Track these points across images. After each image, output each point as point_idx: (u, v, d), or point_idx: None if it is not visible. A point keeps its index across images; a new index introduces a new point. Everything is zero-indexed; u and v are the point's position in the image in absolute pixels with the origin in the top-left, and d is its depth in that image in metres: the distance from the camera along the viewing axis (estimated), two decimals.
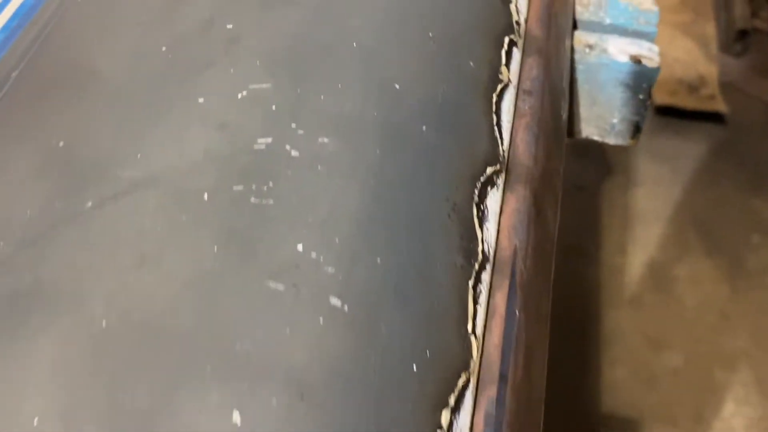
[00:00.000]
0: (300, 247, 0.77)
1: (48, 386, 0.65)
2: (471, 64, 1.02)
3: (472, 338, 0.80)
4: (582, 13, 1.39)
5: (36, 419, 0.67)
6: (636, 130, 1.36)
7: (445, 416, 0.73)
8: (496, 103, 1.02)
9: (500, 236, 0.90)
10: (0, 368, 0.66)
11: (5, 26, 1.06)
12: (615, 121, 1.36)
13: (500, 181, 0.94)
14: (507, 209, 0.93)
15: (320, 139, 0.87)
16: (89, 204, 0.82)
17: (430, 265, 0.82)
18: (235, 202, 0.83)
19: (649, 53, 1.34)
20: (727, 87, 3.00)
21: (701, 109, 2.98)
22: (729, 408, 2.20)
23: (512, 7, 1.13)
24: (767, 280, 2.52)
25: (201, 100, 0.91)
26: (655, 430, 2.15)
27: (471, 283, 0.83)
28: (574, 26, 1.40)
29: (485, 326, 0.82)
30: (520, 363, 0.82)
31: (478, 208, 0.89)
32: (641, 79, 1.32)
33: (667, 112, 2.92)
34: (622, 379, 2.30)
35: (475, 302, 0.82)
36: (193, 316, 0.74)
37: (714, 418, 2.18)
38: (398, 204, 0.85)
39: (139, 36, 1.01)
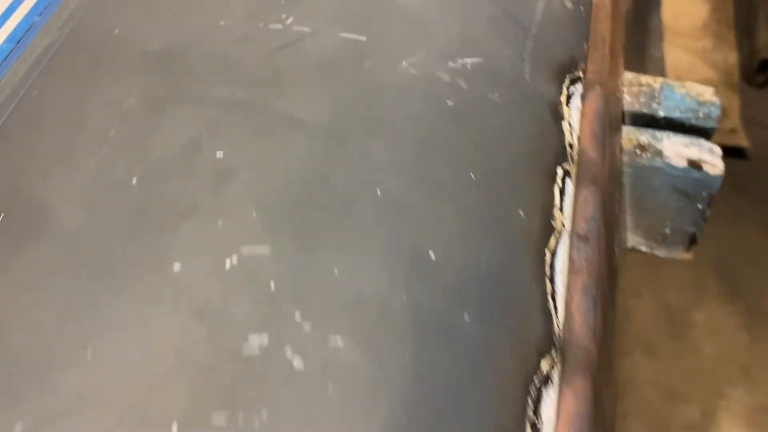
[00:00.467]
0: None
1: None
2: (521, 212, 0.79)
3: None
4: (632, 103, 1.14)
5: None
6: (692, 241, 1.12)
7: None
8: (550, 262, 0.78)
9: None
10: None
11: None
12: (667, 231, 1.12)
13: (556, 376, 0.70)
14: (564, 414, 0.70)
15: (332, 340, 0.65)
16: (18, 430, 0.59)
17: None
18: None
19: (711, 157, 1.10)
20: (749, 120, 2.77)
21: (721, 144, 2.64)
22: None
23: (565, 124, 0.88)
24: None
25: (177, 267, 0.68)
26: None
27: None
28: (623, 119, 1.15)
29: None
30: None
31: (533, 428, 0.66)
32: (701, 186, 1.09)
33: None
34: None
35: None
36: None
37: None
38: None
39: (104, 159, 0.78)
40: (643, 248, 1.15)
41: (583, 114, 0.96)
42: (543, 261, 0.79)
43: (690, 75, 3.00)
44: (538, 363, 0.72)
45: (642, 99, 1.16)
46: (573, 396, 0.73)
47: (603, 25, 1.07)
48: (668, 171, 1.11)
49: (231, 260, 0.69)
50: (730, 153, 3.00)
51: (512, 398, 0.68)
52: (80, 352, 0.64)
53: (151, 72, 0.86)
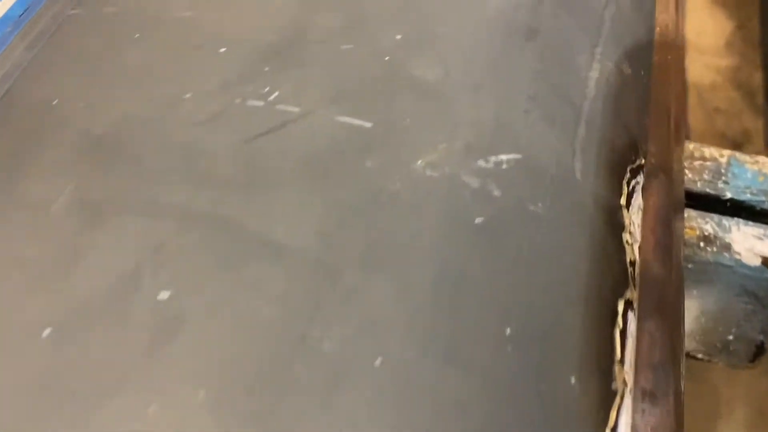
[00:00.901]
0: None
1: None
2: (572, 379, 0.53)
3: None
4: (694, 181, 0.88)
5: None
6: (759, 351, 0.86)
7: None
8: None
9: None
10: None
11: None
12: (731, 338, 0.86)
13: None
14: None
15: None
16: None
17: None
18: None
19: None
20: None
21: None
22: None
23: (625, 236, 0.63)
24: None
25: None
26: None
27: None
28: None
29: None
30: None
31: None
32: None
33: None
34: None
35: None
36: None
37: None
38: None
39: (12, 293, 0.58)
40: (700, 355, 0.89)
41: (645, 213, 0.71)
42: None
43: (713, 93, 2.73)
44: None
45: (706, 176, 0.89)
46: None
47: (667, 92, 0.81)
48: (737, 269, 0.85)
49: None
50: None
51: None
52: None
53: (91, 164, 0.61)
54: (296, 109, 0.66)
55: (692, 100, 2.66)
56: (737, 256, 0.87)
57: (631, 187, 0.73)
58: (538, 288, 0.59)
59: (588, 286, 0.63)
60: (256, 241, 0.57)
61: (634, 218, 0.71)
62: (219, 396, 0.49)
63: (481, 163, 0.64)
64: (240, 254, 0.56)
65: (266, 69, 0.69)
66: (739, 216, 0.91)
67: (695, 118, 2.68)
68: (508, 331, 0.56)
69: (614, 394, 0.60)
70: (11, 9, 0.77)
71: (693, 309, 0.90)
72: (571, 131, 0.70)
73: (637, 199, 0.73)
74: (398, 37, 0.72)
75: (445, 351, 0.54)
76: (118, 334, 0.53)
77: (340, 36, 0.72)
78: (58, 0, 0.78)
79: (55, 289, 0.55)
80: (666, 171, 0.79)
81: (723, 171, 0.93)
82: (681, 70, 0.93)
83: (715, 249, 0.88)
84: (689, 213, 0.91)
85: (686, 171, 0.93)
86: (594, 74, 0.76)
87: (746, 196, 0.90)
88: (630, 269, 0.67)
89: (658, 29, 0.94)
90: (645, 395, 0.63)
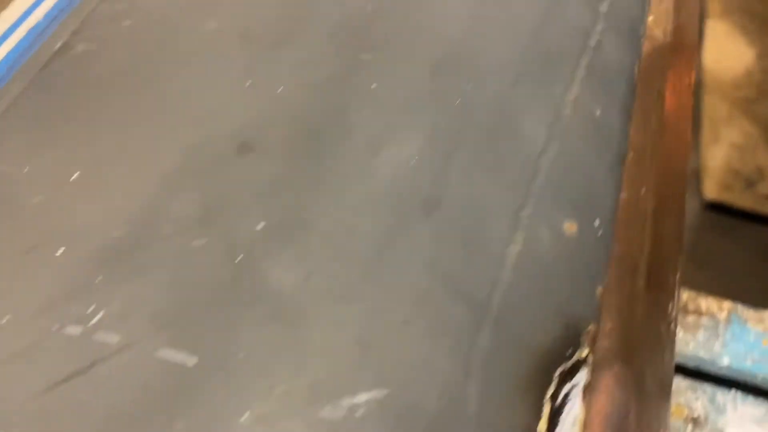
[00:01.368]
0: None
1: None
2: None
3: None
4: (685, 341, 0.68)
5: None
6: None
7: None
8: None
9: None
10: None
11: None
12: None
13: None
14: None
15: None
16: None
17: None
18: None
19: None
20: None
21: (758, 211, 2.27)
22: None
23: None
24: None
25: None
26: None
27: None
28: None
29: None
30: None
31: None
32: None
33: (717, 208, 2.27)
34: None
35: None
36: None
37: None
38: None
39: None
40: None
41: (586, 425, 0.51)
42: None
43: (729, 126, 2.46)
44: None
45: (700, 337, 0.69)
46: None
47: (636, 246, 0.62)
48: None
49: None
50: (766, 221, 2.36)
51: None
52: None
53: None
54: (115, 339, 0.50)
55: (706, 133, 2.40)
56: None
57: (559, 400, 0.53)
58: None
59: None
60: None
61: None
62: None
63: (328, 410, 0.46)
64: None
65: (98, 279, 0.54)
66: (737, 387, 0.70)
67: (709, 153, 2.42)
68: None
69: None
70: None
71: None
72: (467, 342, 0.51)
73: (572, 410, 0.53)
74: (259, 226, 0.56)
75: None
76: None
77: (195, 227, 0.56)
78: None
79: None
80: (625, 361, 0.59)
81: (721, 331, 0.72)
82: (678, 209, 0.72)
83: None
84: (677, 383, 0.70)
85: (679, 328, 0.73)
86: (514, 248, 0.57)
87: (746, 364, 0.69)
88: None
89: (631, 155, 0.74)
90: None
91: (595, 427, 0.56)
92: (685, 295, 0.76)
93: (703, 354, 0.73)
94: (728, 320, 0.74)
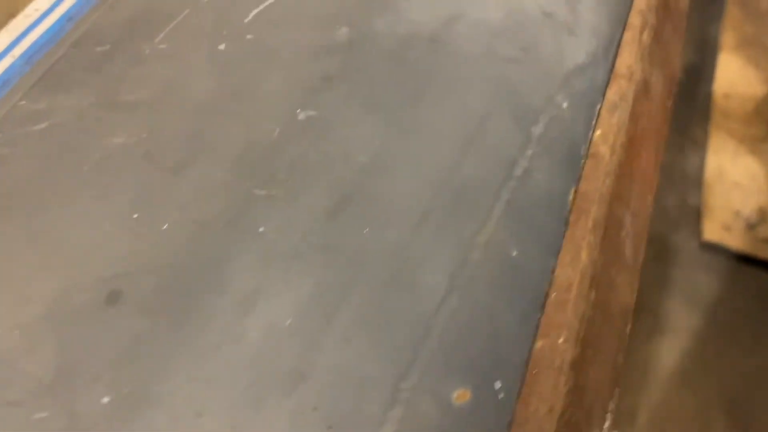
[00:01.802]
0: None
1: None
2: None
3: None
4: None
5: None
6: None
7: None
8: None
9: None
10: None
11: None
12: None
13: None
14: None
15: None
16: None
17: None
18: None
19: None
20: None
21: (756, 256, 2.15)
22: None
23: None
24: None
25: None
26: None
27: None
28: None
29: None
30: None
31: None
32: None
33: (714, 249, 2.14)
34: None
35: None
36: None
37: None
38: None
39: None
40: None
41: None
42: None
43: (734, 164, 2.36)
44: None
45: None
46: None
47: (545, 405, 0.55)
48: None
49: None
50: (765, 265, 2.28)
51: None
52: None
53: None
54: None
55: (710, 170, 2.30)
56: None
57: None
58: None
59: None
60: None
61: None
62: None
63: None
64: None
65: None
66: None
67: (710, 191, 2.33)
68: None
69: None
70: None
71: None
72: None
73: None
74: (105, 399, 0.50)
75: None
76: None
77: (41, 395, 0.51)
78: None
79: None
80: None
81: None
82: (610, 354, 0.65)
83: None
84: None
85: None
86: (389, 429, 0.51)
87: None
88: None
89: (554, 296, 0.67)
90: None
91: None
92: None
93: None
94: None
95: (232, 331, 0.56)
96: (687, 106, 2.54)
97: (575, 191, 0.72)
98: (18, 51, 0.79)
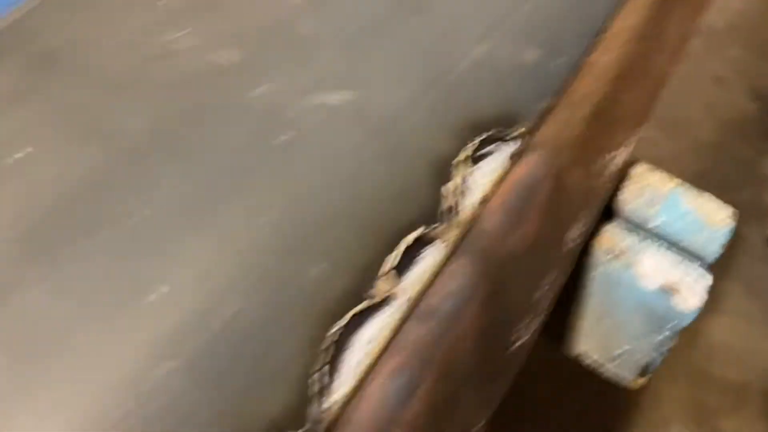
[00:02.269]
0: None
1: None
2: (315, 270, 0.53)
3: None
4: (625, 201, 0.83)
5: None
6: (643, 371, 0.78)
7: None
8: (341, 332, 0.52)
9: None
10: None
11: None
12: (620, 351, 0.79)
13: None
14: None
15: None
16: None
17: None
18: None
19: (692, 288, 0.76)
20: None
21: None
22: None
23: (449, 186, 0.62)
24: None
25: None
26: None
27: None
28: (608, 214, 0.84)
29: None
30: None
31: None
32: (668, 317, 0.75)
33: None
34: None
35: None
36: None
37: None
38: None
39: None
40: (589, 361, 0.82)
41: (501, 180, 0.69)
42: (327, 327, 0.54)
43: None
44: None
45: (641, 199, 0.85)
46: None
47: (590, 86, 0.78)
48: (634, 289, 0.79)
49: None
50: None
51: None
52: None
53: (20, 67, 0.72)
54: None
55: None
56: (639, 275, 0.82)
57: (484, 150, 0.72)
58: (313, 202, 0.61)
59: (381, 213, 0.63)
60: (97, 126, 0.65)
61: (477, 175, 0.70)
62: None
63: (311, 97, 0.68)
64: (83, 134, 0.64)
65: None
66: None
67: None
68: (264, 219, 0.58)
69: (367, 297, 0.59)
70: None
71: (593, 314, 0.85)
72: (424, 90, 0.71)
73: (491, 164, 0.72)
74: None
75: (203, 219, 0.58)
76: None
77: None
78: None
79: None
80: (552, 152, 0.76)
81: (658, 200, 0.88)
82: (644, 73, 0.87)
83: (621, 264, 0.84)
84: (611, 227, 0.87)
85: (622, 191, 0.89)
86: (479, 49, 0.76)
87: (672, 229, 0.85)
88: (448, 215, 0.66)
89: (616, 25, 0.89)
90: (421, 314, 0.62)
91: (506, 184, 0.74)
92: (642, 167, 0.92)
93: (637, 214, 0.88)
94: (668, 194, 0.89)
95: None
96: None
97: None
98: None
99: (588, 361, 0.84)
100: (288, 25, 0.74)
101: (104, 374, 0.49)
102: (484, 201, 0.67)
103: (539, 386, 1.54)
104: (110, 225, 0.57)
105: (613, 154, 0.85)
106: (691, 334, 2.00)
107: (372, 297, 0.58)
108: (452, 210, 0.66)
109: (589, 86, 0.78)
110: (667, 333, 0.76)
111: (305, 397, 0.52)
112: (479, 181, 0.69)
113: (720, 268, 2.25)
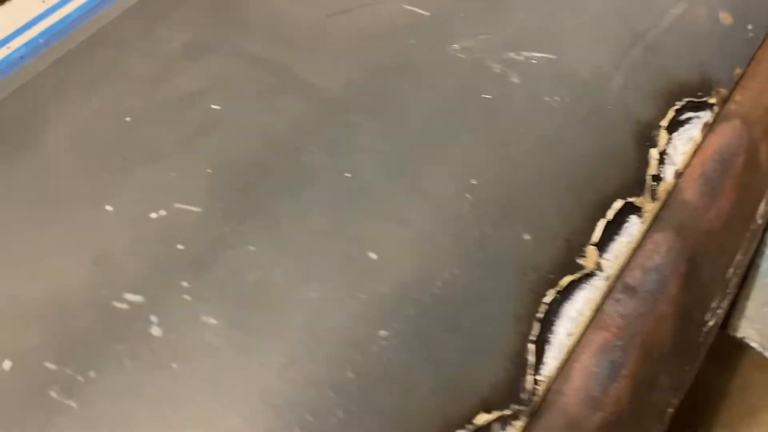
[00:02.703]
0: None
1: None
2: (525, 236, 0.52)
3: None
4: None
5: None
6: None
7: None
8: (551, 303, 0.51)
9: None
10: None
11: None
12: None
13: None
14: None
15: (204, 318, 0.47)
16: None
17: None
18: (31, 389, 0.47)
19: None
20: None
21: None
22: None
23: (653, 153, 0.59)
24: None
25: (109, 208, 0.57)
26: None
27: None
28: None
29: None
30: None
31: None
32: None
33: None
34: None
35: None
36: None
37: None
38: None
39: (113, 95, 0.67)
40: (753, 343, 0.78)
41: (699, 148, 0.65)
42: (539, 298, 0.52)
43: None
44: (474, 414, 0.46)
45: None
46: None
47: None
48: None
49: (159, 213, 0.56)
50: None
51: None
52: None
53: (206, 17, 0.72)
54: None
55: None
56: None
57: (683, 117, 0.68)
58: (520, 164, 0.58)
59: (587, 179, 0.60)
60: (297, 80, 0.65)
61: (677, 143, 0.66)
62: (216, 176, 0.58)
63: (513, 55, 0.65)
64: (280, 87, 0.64)
65: None
66: None
67: None
68: (475, 181, 0.57)
69: (576, 268, 0.57)
70: None
71: (759, 296, 0.81)
72: (623, 50, 0.67)
73: (691, 131, 0.68)
74: None
75: (408, 181, 0.57)
76: (172, 129, 0.62)
77: None
78: None
79: (145, 93, 0.66)
80: (749, 122, 0.72)
81: None
82: None
83: None
84: None
85: None
86: (676, 11, 0.72)
87: None
88: (652, 183, 0.63)
89: None
90: (625, 289, 0.59)
91: (704, 152, 0.70)
92: None
93: None
94: None
95: None
96: None
97: None
98: None
99: (751, 343, 0.79)
100: None
101: (326, 335, 0.49)
102: (683, 172, 0.63)
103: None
104: (319, 182, 0.56)
105: None
106: None
107: (581, 267, 0.56)
108: (655, 177, 0.63)
109: None
110: None
111: (519, 366, 0.50)
112: (679, 148, 0.65)
113: None
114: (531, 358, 0.52)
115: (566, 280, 0.55)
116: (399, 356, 0.49)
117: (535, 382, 0.51)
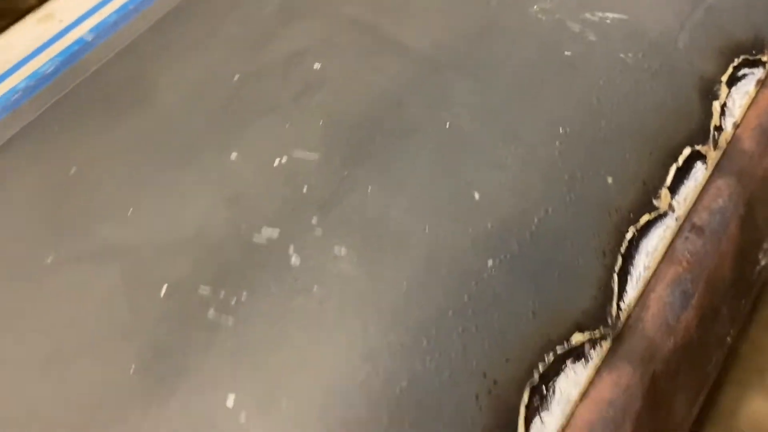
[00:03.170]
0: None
1: None
2: (608, 179, 0.59)
3: None
4: None
5: None
6: None
7: None
8: (632, 240, 0.58)
9: None
10: None
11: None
12: None
13: (594, 354, 0.52)
14: (592, 395, 0.51)
15: (337, 249, 0.53)
16: (49, 260, 0.55)
17: None
18: (189, 310, 0.55)
19: None
20: None
21: None
22: None
23: (716, 105, 0.65)
24: None
25: (233, 156, 0.61)
26: None
27: None
28: None
29: None
30: None
31: (538, 394, 0.49)
32: None
33: None
34: None
35: None
36: None
37: None
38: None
39: (220, 54, 0.74)
40: None
41: (754, 101, 0.72)
42: (621, 235, 0.59)
43: None
44: (569, 334, 0.53)
45: None
46: (611, 381, 0.53)
47: None
48: None
49: (280, 160, 0.62)
50: None
51: (515, 357, 0.51)
52: (123, 210, 0.62)
53: None
54: None
55: None
56: None
57: (740, 72, 0.74)
58: (601, 109, 0.65)
59: (659, 128, 0.67)
60: (391, 41, 0.70)
61: (735, 97, 0.72)
62: (328, 126, 0.65)
63: (588, 15, 0.71)
64: (376, 47, 0.70)
65: None
66: None
67: None
68: (563, 130, 0.63)
69: (652, 208, 0.64)
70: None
71: None
72: (686, 11, 0.73)
73: (747, 86, 0.74)
74: None
75: (503, 130, 0.63)
76: (279, 85, 0.69)
77: None
78: None
79: (250, 54, 0.72)
80: None
81: None
82: None
83: None
84: None
85: None
86: None
87: None
88: (714, 133, 0.69)
89: None
90: (693, 228, 0.66)
91: (760, 105, 0.76)
92: None
93: None
94: None
95: None
96: None
97: None
98: None
99: None
100: None
101: (442, 264, 0.56)
102: (740, 123, 0.70)
103: None
104: (423, 132, 0.62)
105: None
106: None
107: (656, 208, 0.62)
108: (717, 128, 0.69)
109: None
110: None
111: (605, 294, 0.58)
112: (737, 102, 0.71)
113: None
114: (615, 288, 0.59)
115: (644, 219, 0.62)
116: (505, 284, 0.56)
117: (619, 308, 0.58)
